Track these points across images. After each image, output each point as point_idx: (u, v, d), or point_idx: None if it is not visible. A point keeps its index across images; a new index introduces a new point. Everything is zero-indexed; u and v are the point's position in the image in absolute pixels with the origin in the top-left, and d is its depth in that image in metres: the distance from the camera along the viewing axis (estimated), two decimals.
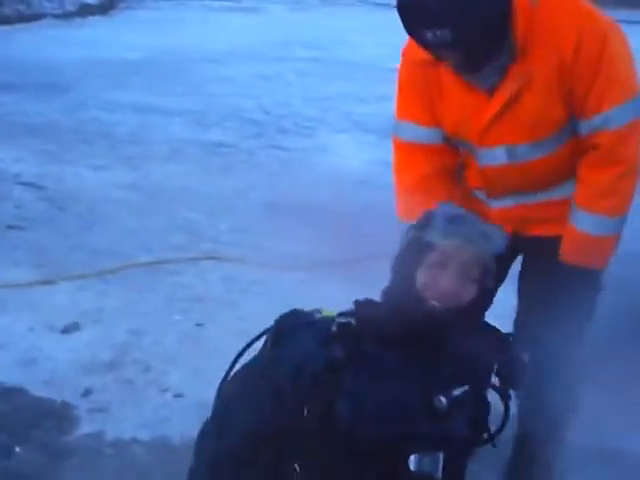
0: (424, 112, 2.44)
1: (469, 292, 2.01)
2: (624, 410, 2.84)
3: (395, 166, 2.57)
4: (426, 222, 2.06)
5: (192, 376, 3.36)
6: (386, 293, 2.12)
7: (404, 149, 2.52)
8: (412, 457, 1.95)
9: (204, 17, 12.77)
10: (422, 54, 2.21)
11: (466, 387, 1.99)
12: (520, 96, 2.24)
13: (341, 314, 2.06)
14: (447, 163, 2.52)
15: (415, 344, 1.96)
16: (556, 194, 2.44)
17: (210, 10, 13.54)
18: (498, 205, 2.49)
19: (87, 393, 3.27)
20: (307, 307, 2.12)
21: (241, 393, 2.08)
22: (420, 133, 2.48)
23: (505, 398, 2.10)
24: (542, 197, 2.45)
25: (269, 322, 2.13)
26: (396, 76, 2.49)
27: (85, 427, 3.07)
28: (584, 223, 2.35)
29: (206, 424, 2.16)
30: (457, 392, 1.96)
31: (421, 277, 2.00)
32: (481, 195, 2.53)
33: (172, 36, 10.61)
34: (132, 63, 9.20)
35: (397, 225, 2.47)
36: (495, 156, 2.36)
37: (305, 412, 1.94)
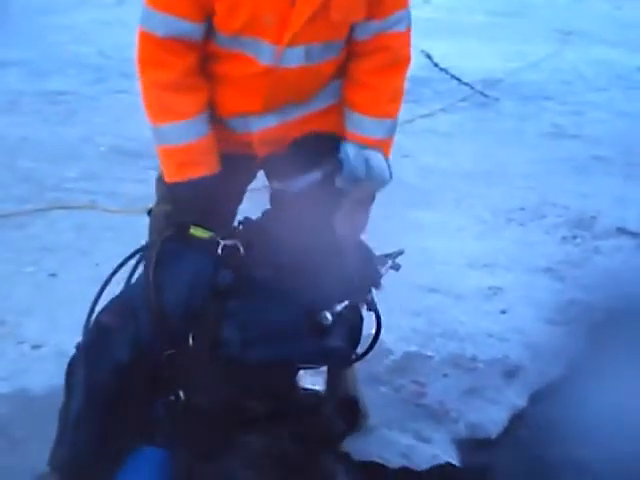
0: (194, 3, 2.11)
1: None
2: None
3: (144, 60, 2.22)
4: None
5: (49, 326, 3.30)
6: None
7: (158, 43, 2.16)
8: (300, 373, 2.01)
9: None
10: None
11: (346, 302, 2.04)
12: None
13: (225, 236, 2.02)
14: (203, 55, 2.27)
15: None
16: (314, 106, 2.40)
17: None
18: (259, 127, 2.34)
19: None
20: None
21: (117, 325, 2.00)
22: (182, 28, 2.14)
23: (377, 313, 2.16)
24: (303, 110, 2.38)
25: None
26: None
27: None
28: (372, 129, 2.37)
29: (74, 358, 2.08)
30: (340, 307, 2.01)
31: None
32: (238, 123, 2.37)
33: None
34: None
35: (154, 131, 2.27)
36: (293, 57, 2.20)
37: (191, 338, 1.94)
